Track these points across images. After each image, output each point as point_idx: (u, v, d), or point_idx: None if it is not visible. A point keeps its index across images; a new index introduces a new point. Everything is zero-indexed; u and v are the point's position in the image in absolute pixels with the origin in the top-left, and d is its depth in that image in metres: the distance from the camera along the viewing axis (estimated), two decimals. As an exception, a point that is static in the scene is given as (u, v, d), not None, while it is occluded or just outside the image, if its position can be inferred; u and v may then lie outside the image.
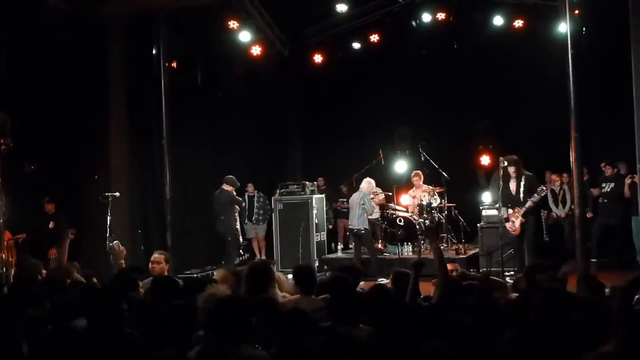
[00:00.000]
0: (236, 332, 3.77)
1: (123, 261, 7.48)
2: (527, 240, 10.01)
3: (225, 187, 11.90)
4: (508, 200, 10.06)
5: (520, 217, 9.81)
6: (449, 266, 6.27)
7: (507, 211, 10.01)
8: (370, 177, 14.19)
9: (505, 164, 10.81)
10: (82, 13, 10.62)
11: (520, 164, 10.10)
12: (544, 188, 10.06)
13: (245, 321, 3.85)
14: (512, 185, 10.01)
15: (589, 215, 12.13)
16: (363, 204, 11.91)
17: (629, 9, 8.40)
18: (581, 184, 9.28)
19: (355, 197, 12.14)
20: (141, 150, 11.91)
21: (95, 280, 6.41)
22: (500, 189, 10.99)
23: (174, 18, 11.46)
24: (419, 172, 13.18)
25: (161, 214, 11.41)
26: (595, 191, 12.25)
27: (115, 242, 7.52)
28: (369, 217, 12.30)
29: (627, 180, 11.34)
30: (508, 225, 9.98)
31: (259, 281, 5.28)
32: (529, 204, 9.76)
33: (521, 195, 9.90)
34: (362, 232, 11.93)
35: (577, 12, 10.01)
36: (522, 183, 9.86)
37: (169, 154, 11.29)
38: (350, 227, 12.24)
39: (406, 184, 13.73)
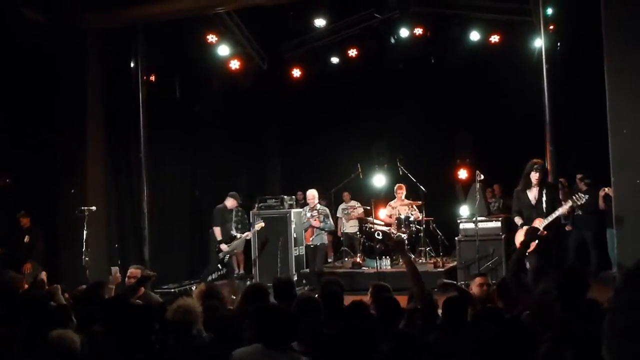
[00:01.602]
0: (282, 338, 4.00)
1: (114, 286, 7.44)
2: (550, 257, 8.36)
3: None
4: (527, 209, 8.63)
5: (542, 230, 8.23)
6: (480, 280, 6.14)
7: (520, 220, 8.84)
8: (348, 191, 14.26)
9: (481, 177, 10.86)
10: (60, 26, 10.58)
11: (547, 173, 8.91)
12: (582, 195, 8.53)
13: (292, 329, 4.09)
14: (532, 194, 8.53)
15: (568, 228, 12.23)
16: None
17: (602, 24, 8.53)
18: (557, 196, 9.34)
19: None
20: (118, 164, 11.84)
21: (64, 294, 6.35)
22: (479, 202, 11.05)
23: (153, 31, 11.45)
24: (403, 185, 13.19)
25: (138, 227, 11.33)
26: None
27: (113, 267, 7.47)
28: (345, 230, 12.30)
29: (601, 193, 11.45)
30: (525, 229, 8.22)
31: (254, 299, 5.34)
32: (559, 211, 8.30)
33: (544, 205, 8.43)
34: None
35: (551, 27, 10.18)
36: (545, 192, 8.44)
37: (147, 168, 11.23)
38: None
39: (385, 198, 13.77)
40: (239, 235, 11.64)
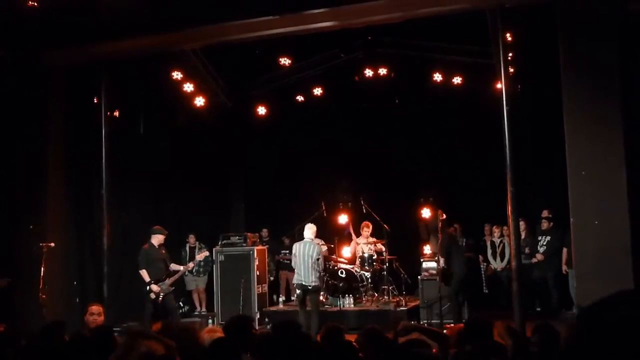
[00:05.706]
0: None
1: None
2: None
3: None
4: None
5: None
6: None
7: None
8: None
9: (443, 217, 10.96)
10: (23, 61, 10.48)
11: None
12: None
13: None
14: None
15: (534, 260, 12.39)
16: (318, 259, 11.10)
17: (561, 67, 8.76)
18: (518, 237, 9.45)
19: (304, 249, 11.14)
20: (80, 200, 11.67)
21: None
22: (439, 240, 11.13)
23: (117, 67, 11.40)
24: (370, 223, 13.20)
25: (98, 265, 11.13)
26: (539, 256, 12.52)
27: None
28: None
29: None
30: None
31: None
32: None
33: None
34: (318, 286, 11.30)
35: (512, 70, 10.39)
36: None
37: (108, 204, 11.08)
38: (302, 282, 11.03)
39: (348, 236, 13.78)
40: (176, 268, 11.52)
